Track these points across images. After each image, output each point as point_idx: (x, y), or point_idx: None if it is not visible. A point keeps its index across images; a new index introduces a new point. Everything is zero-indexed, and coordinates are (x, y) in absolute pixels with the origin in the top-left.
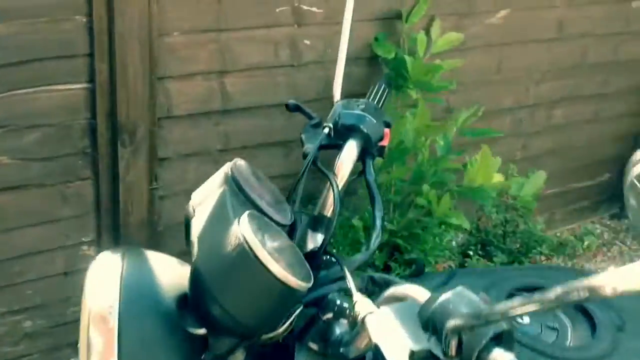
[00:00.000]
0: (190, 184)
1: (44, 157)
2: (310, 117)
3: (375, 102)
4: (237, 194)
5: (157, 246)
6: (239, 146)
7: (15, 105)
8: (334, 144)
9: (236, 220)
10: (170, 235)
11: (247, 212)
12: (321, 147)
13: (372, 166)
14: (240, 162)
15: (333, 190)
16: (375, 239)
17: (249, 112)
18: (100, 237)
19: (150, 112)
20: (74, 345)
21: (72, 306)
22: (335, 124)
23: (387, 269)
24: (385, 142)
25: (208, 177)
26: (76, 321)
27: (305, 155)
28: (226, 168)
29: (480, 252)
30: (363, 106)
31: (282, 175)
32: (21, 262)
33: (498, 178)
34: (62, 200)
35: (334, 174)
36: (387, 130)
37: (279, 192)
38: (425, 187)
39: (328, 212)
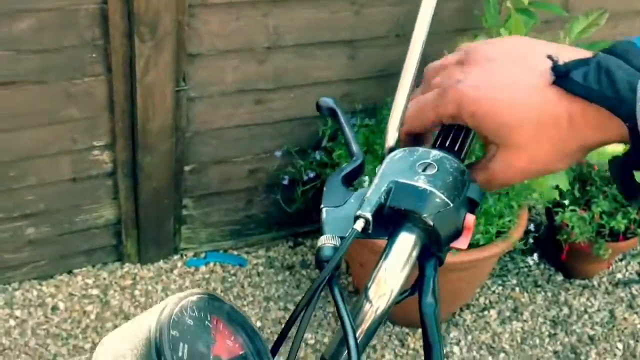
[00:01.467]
0: (228, 84)
1: (42, 48)
2: (347, 145)
3: (457, 146)
4: None
5: (185, 153)
6: (291, 44)
7: None
8: (374, 238)
9: None
10: (202, 141)
11: None
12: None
13: (435, 282)
14: (188, 300)
15: (347, 343)
16: None
17: (306, 2)
18: (115, 142)
19: None
20: (86, 253)
21: (82, 213)
22: (380, 205)
23: None
24: (464, 242)
25: (251, 79)
26: (88, 229)
27: (318, 261)
28: (154, 322)
29: (577, 194)
30: (434, 169)
31: (344, 79)
32: (19, 166)
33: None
34: (67, 99)
35: (367, 296)
36: (469, 218)
37: (262, 343)
38: None
39: None
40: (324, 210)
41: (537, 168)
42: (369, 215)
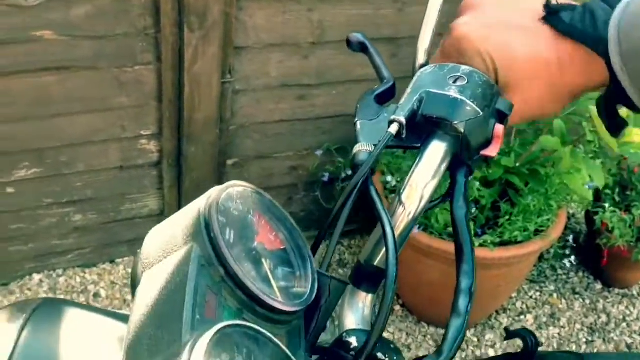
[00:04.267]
0: (272, 78)
1: (96, 35)
2: (378, 73)
3: None
4: (211, 262)
5: (228, 146)
6: (335, 39)
7: None
8: (407, 146)
9: (186, 350)
10: (245, 135)
11: (209, 335)
12: (388, 147)
13: (465, 189)
14: (234, 189)
15: (386, 243)
16: (459, 329)
17: None
18: (161, 131)
19: None
20: (129, 243)
21: (127, 202)
22: (413, 113)
23: (495, 210)
24: (493, 150)
25: (294, 74)
26: (132, 218)
27: (353, 166)
28: (203, 203)
29: (617, 198)
30: (464, 81)
31: None
32: (69, 151)
33: None
34: (118, 87)
35: (400, 200)
36: (498, 128)
37: (301, 238)
38: (557, 124)
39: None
40: (358, 122)
41: (532, 110)
42: (402, 119)
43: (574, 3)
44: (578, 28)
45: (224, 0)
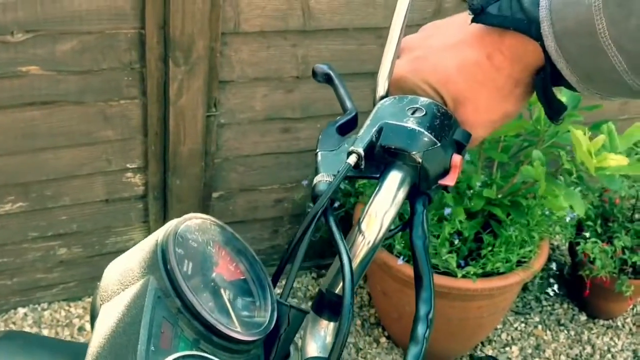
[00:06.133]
0: (257, 112)
1: (81, 70)
2: (342, 104)
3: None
4: (167, 294)
5: (213, 179)
6: None
7: (48, 7)
8: (366, 176)
9: None
10: (230, 168)
11: None
12: (347, 178)
13: (424, 218)
14: (192, 221)
15: (343, 273)
16: (416, 356)
17: (334, 34)
18: (147, 164)
19: (211, 25)
20: None
21: (113, 236)
22: (371, 144)
23: (478, 242)
24: (451, 180)
25: (279, 108)
26: (118, 252)
27: (313, 196)
28: (160, 235)
29: (599, 229)
30: (422, 113)
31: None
32: (54, 185)
33: (617, 161)
34: (103, 121)
35: (360, 229)
36: (456, 158)
37: (262, 269)
38: (536, 154)
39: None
40: (319, 153)
41: (488, 115)
42: (360, 151)
43: None
44: (507, 16)
45: (209, 35)
